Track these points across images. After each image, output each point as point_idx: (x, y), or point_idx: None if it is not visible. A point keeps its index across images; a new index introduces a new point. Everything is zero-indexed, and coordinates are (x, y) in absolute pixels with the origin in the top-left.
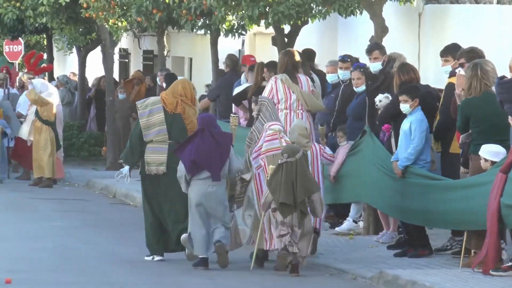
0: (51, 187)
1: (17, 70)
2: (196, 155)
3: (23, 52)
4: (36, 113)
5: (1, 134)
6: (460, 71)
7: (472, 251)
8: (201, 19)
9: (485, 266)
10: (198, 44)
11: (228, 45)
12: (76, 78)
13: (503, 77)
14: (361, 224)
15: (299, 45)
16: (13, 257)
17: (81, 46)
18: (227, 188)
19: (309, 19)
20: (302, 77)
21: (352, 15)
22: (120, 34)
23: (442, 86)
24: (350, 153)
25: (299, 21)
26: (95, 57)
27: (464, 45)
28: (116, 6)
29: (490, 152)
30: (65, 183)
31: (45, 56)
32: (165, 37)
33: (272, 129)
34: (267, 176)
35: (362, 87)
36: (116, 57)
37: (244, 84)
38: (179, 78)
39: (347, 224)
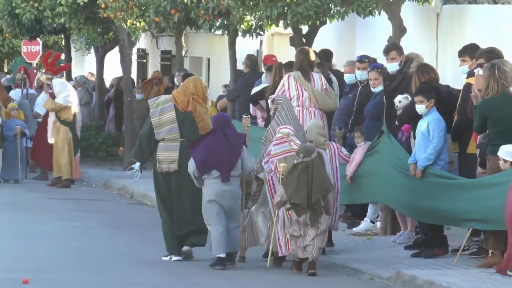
0: (69, 187)
1: (35, 70)
2: (207, 154)
3: (41, 53)
4: (56, 113)
5: (21, 135)
6: (479, 71)
7: (490, 251)
8: (219, 20)
9: (503, 266)
10: (216, 44)
11: (246, 46)
12: (94, 79)
13: None
14: (378, 224)
15: (317, 45)
16: (32, 257)
17: (99, 46)
18: (241, 186)
19: (328, 19)
20: (315, 76)
21: (370, 16)
22: (138, 34)
23: (460, 86)
24: (368, 154)
25: (318, 22)
26: (113, 57)
27: (482, 45)
28: (134, 7)
29: (509, 152)
30: (83, 184)
31: (63, 56)
32: (183, 37)
33: (281, 132)
34: (279, 175)
35: (380, 87)
36: (134, 57)
37: (262, 84)
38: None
39: (364, 224)
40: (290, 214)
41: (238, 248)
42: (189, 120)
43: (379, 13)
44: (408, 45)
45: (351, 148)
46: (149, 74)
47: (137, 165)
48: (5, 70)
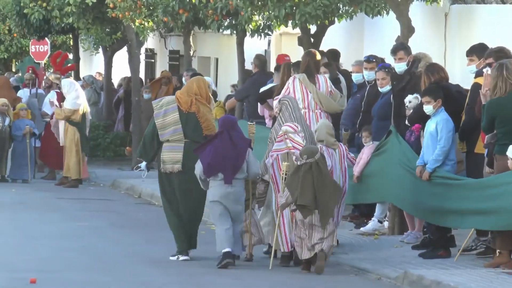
0: (77, 187)
1: (43, 71)
2: (213, 157)
3: (49, 52)
4: None
5: (30, 135)
6: (488, 71)
7: (497, 251)
8: (227, 19)
9: None
10: (224, 44)
11: (254, 45)
12: (102, 79)
13: None
14: (386, 224)
15: (325, 45)
16: (40, 257)
17: (107, 46)
18: (247, 187)
19: (336, 19)
20: (321, 78)
21: (378, 15)
22: (146, 34)
23: (468, 86)
24: (375, 153)
25: (326, 21)
26: (121, 57)
27: (491, 45)
28: (142, 6)
29: None
30: (91, 183)
31: (71, 56)
32: (191, 37)
33: (282, 129)
34: (282, 174)
35: (387, 87)
36: (142, 57)
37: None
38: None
39: (372, 224)
40: (294, 215)
41: (240, 252)
42: (193, 121)
43: (387, 13)
44: (416, 45)
45: (359, 148)
46: (157, 74)
47: (143, 164)
48: (13, 70)
